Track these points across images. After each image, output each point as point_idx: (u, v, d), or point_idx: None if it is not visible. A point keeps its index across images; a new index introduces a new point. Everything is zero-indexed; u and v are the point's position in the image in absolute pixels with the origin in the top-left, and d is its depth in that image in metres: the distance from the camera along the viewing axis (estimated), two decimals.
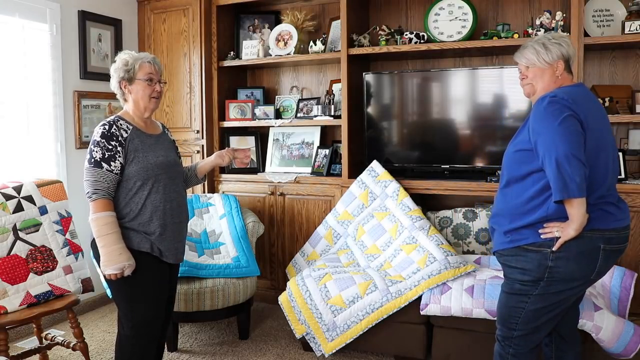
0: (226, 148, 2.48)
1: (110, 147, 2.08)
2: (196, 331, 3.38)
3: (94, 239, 2.13)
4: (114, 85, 2.25)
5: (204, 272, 3.04)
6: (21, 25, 3.27)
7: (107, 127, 2.11)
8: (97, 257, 2.15)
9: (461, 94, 3.35)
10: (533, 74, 2.04)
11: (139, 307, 2.15)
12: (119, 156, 2.10)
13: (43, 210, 2.74)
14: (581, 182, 1.78)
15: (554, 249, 1.89)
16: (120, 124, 2.16)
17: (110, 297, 2.31)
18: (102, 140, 2.08)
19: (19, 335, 3.25)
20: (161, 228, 2.16)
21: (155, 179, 2.16)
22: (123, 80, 2.20)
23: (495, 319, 2.54)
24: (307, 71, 4.07)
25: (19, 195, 2.68)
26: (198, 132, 3.91)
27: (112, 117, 2.19)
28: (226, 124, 3.93)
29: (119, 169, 2.10)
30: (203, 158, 3.87)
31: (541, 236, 1.92)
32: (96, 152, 2.07)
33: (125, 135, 2.13)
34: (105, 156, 2.07)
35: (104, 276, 2.11)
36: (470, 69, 3.36)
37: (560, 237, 1.87)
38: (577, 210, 1.82)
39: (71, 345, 2.73)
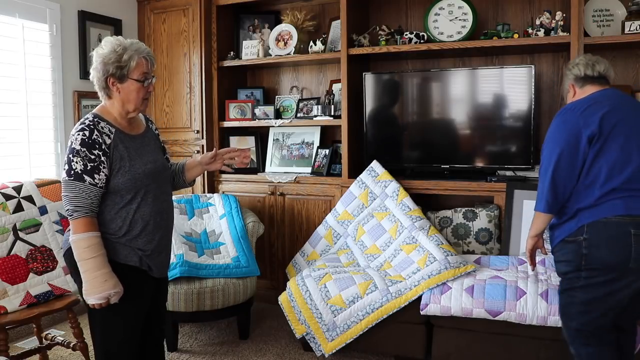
0: (224, 149, 2.22)
1: (92, 157, 1.79)
2: (196, 331, 3.38)
3: (68, 248, 1.88)
4: (96, 78, 1.88)
5: (204, 272, 3.04)
6: (21, 25, 3.27)
7: (87, 132, 1.80)
8: (72, 272, 1.91)
9: (461, 94, 3.35)
10: None
11: (117, 336, 1.89)
12: (104, 167, 1.81)
13: (43, 210, 2.74)
14: None
15: None
16: (102, 127, 1.84)
17: None
18: (83, 149, 1.78)
19: (19, 335, 3.25)
20: (151, 244, 1.92)
21: (146, 190, 1.89)
22: (112, 77, 1.85)
23: (495, 319, 2.56)
24: (307, 71, 4.07)
25: (19, 195, 2.68)
26: (198, 132, 3.91)
27: (91, 118, 1.86)
28: (226, 124, 3.93)
29: (103, 181, 1.81)
30: None
31: None
32: (76, 162, 1.77)
33: (108, 141, 1.83)
34: (88, 168, 1.78)
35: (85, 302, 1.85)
36: (470, 69, 3.36)
37: None
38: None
39: (71, 345, 2.73)
